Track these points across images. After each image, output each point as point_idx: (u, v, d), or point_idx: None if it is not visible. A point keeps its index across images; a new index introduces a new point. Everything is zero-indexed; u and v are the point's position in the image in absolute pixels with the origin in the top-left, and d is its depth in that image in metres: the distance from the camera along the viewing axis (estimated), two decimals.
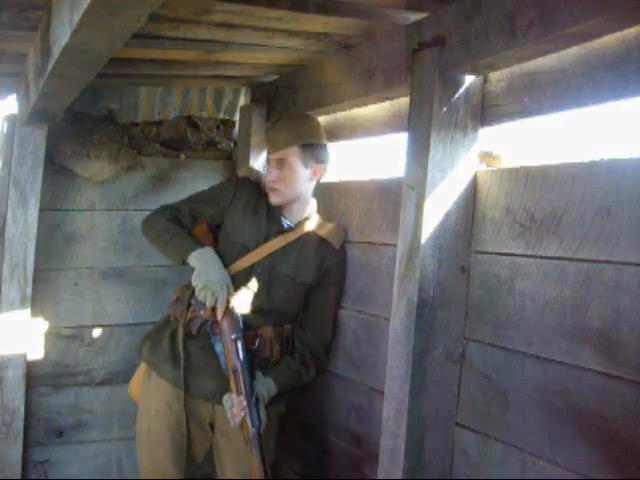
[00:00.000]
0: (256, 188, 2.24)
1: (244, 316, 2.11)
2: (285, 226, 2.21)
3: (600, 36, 1.36)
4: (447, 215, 1.69)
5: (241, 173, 2.33)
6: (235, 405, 2.03)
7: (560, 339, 1.47)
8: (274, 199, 2.17)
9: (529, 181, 1.57)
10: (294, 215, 2.22)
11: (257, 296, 2.16)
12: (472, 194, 1.72)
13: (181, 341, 2.13)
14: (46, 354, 2.69)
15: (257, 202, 2.22)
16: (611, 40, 1.36)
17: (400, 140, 1.92)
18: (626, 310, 1.33)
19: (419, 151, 1.69)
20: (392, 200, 2.00)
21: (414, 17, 1.73)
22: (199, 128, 2.90)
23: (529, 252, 1.56)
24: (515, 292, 1.59)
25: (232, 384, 2.04)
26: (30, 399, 2.65)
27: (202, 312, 2.10)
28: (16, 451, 2.60)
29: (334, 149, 2.54)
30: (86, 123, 2.66)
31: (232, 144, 2.93)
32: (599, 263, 1.39)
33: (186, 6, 1.63)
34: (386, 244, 2.05)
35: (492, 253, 1.67)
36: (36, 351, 2.67)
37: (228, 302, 2.07)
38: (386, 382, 1.81)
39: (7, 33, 1.85)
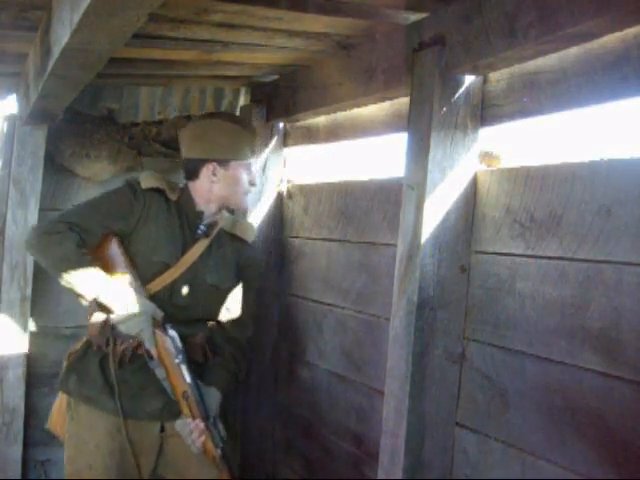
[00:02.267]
0: (164, 197, 2.12)
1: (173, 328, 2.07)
2: (200, 232, 2.14)
3: (600, 36, 1.36)
4: (447, 215, 1.69)
5: (146, 182, 2.13)
6: (193, 430, 1.98)
7: (560, 339, 1.47)
8: (247, 205, 2.21)
9: (529, 181, 1.57)
10: (212, 218, 2.16)
11: (184, 310, 2.11)
12: (472, 194, 1.72)
13: (113, 370, 2.02)
14: (46, 354, 2.69)
15: (168, 213, 2.12)
16: (611, 40, 1.36)
17: (400, 140, 1.92)
18: (626, 310, 1.33)
19: (419, 151, 1.69)
20: (392, 200, 2.00)
21: (414, 17, 1.73)
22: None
23: (529, 252, 1.56)
24: (515, 292, 1.59)
25: (185, 409, 1.99)
26: (30, 399, 2.66)
27: (131, 341, 2.00)
28: (16, 451, 2.61)
29: (334, 149, 2.55)
30: (86, 123, 2.67)
31: None
32: (599, 263, 1.39)
33: (186, 6, 1.63)
34: (386, 244, 2.05)
35: (492, 253, 1.67)
36: (36, 351, 2.67)
37: (160, 329, 1.99)
38: (386, 382, 1.81)
39: (7, 33, 1.85)
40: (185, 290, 2.10)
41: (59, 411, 2.17)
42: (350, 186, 2.29)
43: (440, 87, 1.64)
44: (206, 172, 2.09)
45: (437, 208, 1.67)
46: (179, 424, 2.01)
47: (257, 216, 2.65)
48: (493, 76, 1.67)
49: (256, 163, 2.19)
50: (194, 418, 1.99)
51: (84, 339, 2.12)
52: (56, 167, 2.62)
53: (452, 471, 1.77)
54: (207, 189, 2.11)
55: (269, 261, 2.70)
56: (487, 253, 1.68)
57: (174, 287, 2.09)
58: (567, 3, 1.30)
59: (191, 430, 1.99)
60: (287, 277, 2.67)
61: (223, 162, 2.08)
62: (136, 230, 2.08)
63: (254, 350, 2.35)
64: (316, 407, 2.46)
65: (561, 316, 1.47)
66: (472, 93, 1.68)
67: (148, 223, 2.09)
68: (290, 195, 2.67)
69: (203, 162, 2.09)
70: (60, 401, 2.18)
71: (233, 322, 2.26)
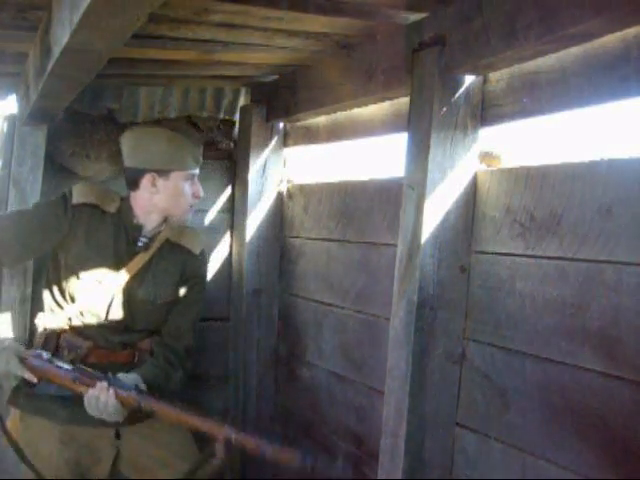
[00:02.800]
0: (98, 210, 2.06)
1: (117, 336, 2.07)
2: (140, 245, 2.08)
3: (600, 36, 1.36)
4: (447, 215, 1.69)
5: (77, 197, 2.06)
6: (97, 392, 1.85)
7: (560, 339, 1.47)
8: (189, 217, 2.14)
9: (529, 181, 1.57)
10: (155, 230, 2.11)
11: (121, 323, 2.09)
12: (472, 194, 1.72)
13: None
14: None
15: (102, 226, 2.06)
16: (611, 40, 1.36)
17: (400, 140, 1.92)
18: (626, 310, 1.33)
19: (419, 151, 1.69)
20: (392, 200, 2.00)
21: (414, 17, 1.73)
22: (199, 128, 2.90)
23: (529, 252, 1.56)
24: (515, 292, 1.59)
25: (82, 389, 1.90)
26: None
27: (79, 350, 2.03)
28: None
29: (334, 149, 2.55)
30: (86, 123, 2.66)
31: (232, 144, 2.93)
32: (599, 263, 1.39)
33: (186, 6, 1.63)
34: (386, 244, 2.05)
35: (492, 253, 1.67)
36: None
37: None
38: (386, 382, 1.81)
39: (7, 33, 1.85)
40: (118, 305, 2.07)
41: (14, 428, 2.10)
42: (350, 186, 2.29)
43: (440, 87, 1.64)
44: (146, 183, 2.03)
45: (437, 208, 1.67)
46: (87, 403, 1.87)
47: (257, 216, 2.65)
48: (493, 76, 1.67)
49: (197, 173, 2.10)
50: (93, 386, 1.87)
51: None
52: (56, 167, 2.62)
53: (452, 471, 1.77)
54: (147, 200, 2.05)
55: (269, 261, 2.70)
56: (487, 253, 1.68)
57: (109, 303, 2.05)
58: (567, 3, 1.30)
59: (96, 395, 1.85)
60: (287, 277, 2.67)
61: (163, 172, 2.01)
62: (66, 245, 2.03)
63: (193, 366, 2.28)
64: (316, 407, 2.46)
65: (561, 316, 1.47)
66: (472, 93, 1.68)
67: (77, 238, 2.03)
68: (290, 195, 2.67)
69: (142, 172, 2.02)
70: (13, 417, 2.12)
71: (169, 331, 2.18)
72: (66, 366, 1.96)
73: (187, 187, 2.07)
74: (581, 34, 1.34)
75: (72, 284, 2.06)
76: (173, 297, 2.17)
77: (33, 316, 2.50)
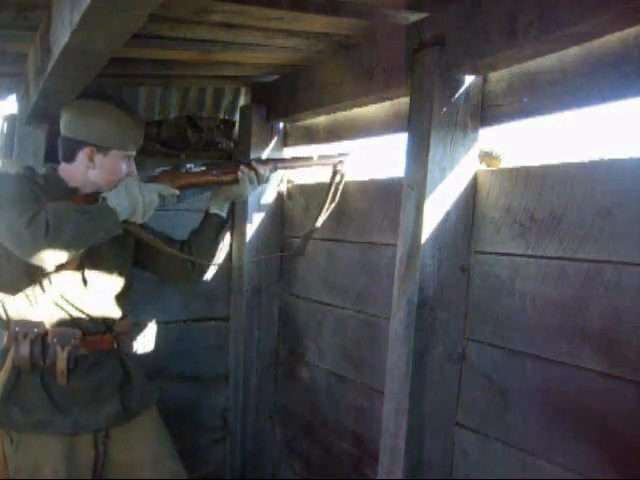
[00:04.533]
0: (33, 182, 1.96)
1: (96, 318, 2.02)
2: None
3: (600, 36, 1.36)
4: (447, 215, 1.69)
5: (14, 169, 2.00)
6: (257, 169, 2.16)
7: (560, 339, 1.47)
8: None
9: (529, 181, 1.57)
10: None
11: (97, 293, 2.02)
12: (472, 194, 1.72)
13: (63, 382, 1.93)
14: None
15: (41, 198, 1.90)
16: (611, 40, 1.36)
17: (400, 140, 1.92)
18: (626, 310, 1.33)
19: (419, 151, 1.69)
20: (392, 200, 2.00)
21: (414, 17, 1.73)
22: (199, 128, 2.90)
23: (529, 252, 1.56)
24: (515, 292, 1.59)
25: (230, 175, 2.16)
26: None
27: (73, 340, 1.94)
28: None
29: (334, 149, 2.54)
30: None
31: (232, 144, 2.93)
32: (599, 263, 1.39)
33: (186, 6, 1.63)
34: (386, 244, 2.05)
35: (492, 253, 1.67)
36: None
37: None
38: (386, 382, 1.81)
39: (7, 33, 1.85)
40: (89, 265, 1.99)
41: None
42: (350, 186, 2.29)
43: (440, 87, 1.64)
44: (83, 156, 1.97)
45: (437, 208, 1.67)
46: (247, 182, 2.17)
47: (257, 216, 2.65)
48: (493, 76, 1.67)
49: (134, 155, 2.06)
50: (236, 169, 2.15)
51: (4, 369, 1.95)
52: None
53: (452, 471, 1.77)
54: (81, 173, 1.99)
55: (269, 261, 2.70)
56: (487, 253, 1.68)
57: (80, 267, 1.97)
58: (567, 3, 1.30)
59: (259, 172, 2.17)
60: (287, 277, 2.67)
61: (103, 149, 1.96)
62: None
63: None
64: (316, 407, 2.46)
65: (561, 316, 1.47)
66: (472, 93, 1.68)
67: None
68: (290, 195, 2.67)
69: (81, 144, 1.96)
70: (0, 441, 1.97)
71: (172, 245, 2.21)
72: (198, 167, 2.10)
73: (124, 167, 2.02)
74: (581, 34, 1.34)
75: (37, 275, 1.90)
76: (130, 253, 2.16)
77: None
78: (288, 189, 2.69)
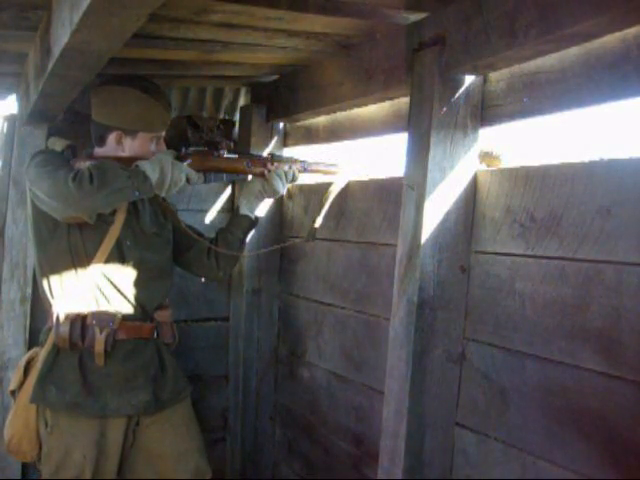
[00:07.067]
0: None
1: (138, 303, 2.07)
2: None
3: (600, 36, 1.36)
4: (447, 215, 1.69)
5: (58, 146, 2.11)
6: (286, 166, 2.20)
7: (560, 339, 1.47)
8: None
9: (529, 181, 1.57)
10: None
11: (138, 268, 2.06)
12: (472, 194, 1.72)
13: (101, 363, 1.99)
14: None
15: None
16: (611, 40, 1.36)
17: (400, 140, 1.92)
18: (626, 310, 1.33)
19: (419, 151, 1.70)
20: (392, 200, 2.00)
21: (414, 17, 1.73)
22: (199, 128, 2.90)
23: (529, 252, 1.56)
24: (515, 292, 1.59)
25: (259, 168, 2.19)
26: None
27: (112, 324, 1.99)
28: None
29: (334, 149, 2.55)
30: (86, 123, 2.66)
31: (232, 144, 2.93)
32: (599, 263, 1.39)
33: (186, 6, 1.63)
34: (386, 244, 2.05)
35: (492, 253, 1.67)
36: None
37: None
38: (386, 382, 1.81)
39: (7, 33, 1.85)
40: (130, 244, 2.05)
41: (25, 428, 2.01)
42: (350, 186, 2.29)
43: (440, 87, 1.64)
44: (112, 140, 2.04)
45: (437, 208, 1.68)
46: (277, 177, 2.20)
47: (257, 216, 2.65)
48: (493, 76, 1.67)
49: (163, 135, 2.12)
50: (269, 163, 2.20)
51: (45, 346, 2.02)
52: None
53: (452, 471, 1.77)
54: (113, 155, 2.04)
55: (269, 261, 2.70)
56: (487, 253, 1.68)
57: (120, 244, 2.02)
58: (567, 3, 1.30)
59: (285, 170, 2.20)
60: (287, 277, 2.67)
61: (130, 132, 2.03)
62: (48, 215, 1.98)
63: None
64: (316, 407, 2.46)
65: (561, 316, 1.47)
66: (472, 93, 1.68)
67: None
68: (290, 195, 2.67)
69: (110, 129, 2.03)
70: (22, 419, 2.02)
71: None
72: (231, 155, 2.14)
73: (152, 147, 2.08)
74: (581, 34, 1.34)
75: (86, 232, 1.98)
76: (170, 229, 2.21)
77: (33, 316, 2.51)
78: (288, 189, 2.69)
